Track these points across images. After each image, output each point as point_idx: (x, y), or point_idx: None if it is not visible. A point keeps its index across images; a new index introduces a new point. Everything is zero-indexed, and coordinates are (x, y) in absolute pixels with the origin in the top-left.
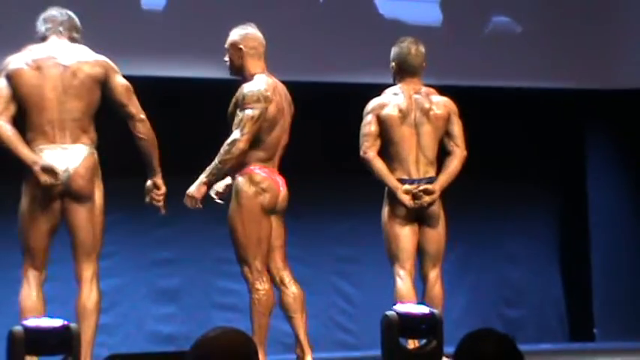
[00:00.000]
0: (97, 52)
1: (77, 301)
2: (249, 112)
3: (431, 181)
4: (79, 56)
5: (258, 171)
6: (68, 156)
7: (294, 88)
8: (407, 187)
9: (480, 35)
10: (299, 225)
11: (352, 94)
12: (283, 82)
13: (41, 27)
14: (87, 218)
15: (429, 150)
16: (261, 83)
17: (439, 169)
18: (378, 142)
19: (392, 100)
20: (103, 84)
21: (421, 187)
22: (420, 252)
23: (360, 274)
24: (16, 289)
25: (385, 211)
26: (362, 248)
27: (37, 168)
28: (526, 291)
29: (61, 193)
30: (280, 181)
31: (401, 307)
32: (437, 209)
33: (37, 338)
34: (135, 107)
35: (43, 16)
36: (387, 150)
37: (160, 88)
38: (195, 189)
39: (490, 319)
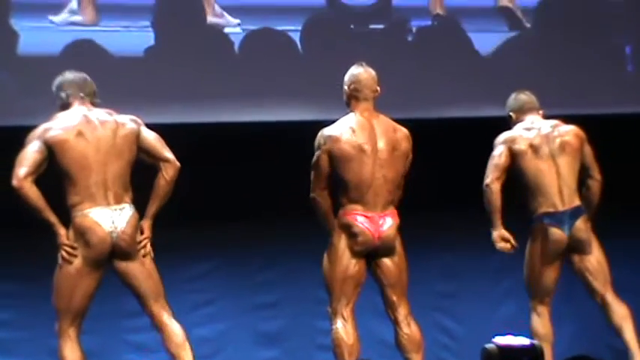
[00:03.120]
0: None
1: (167, 343)
2: (313, 159)
3: (578, 210)
4: (112, 117)
5: (348, 217)
6: (115, 216)
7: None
8: (504, 233)
9: (578, 62)
10: None
11: (451, 128)
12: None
13: (61, 93)
14: (141, 270)
15: (569, 179)
16: (332, 125)
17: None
18: (504, 176)
19: (523, 134)
20: (137, 137)
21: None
22: (586, 280)
23: (460, 308)
24: (123, 338)
25: (531, 245)
26: (461, 283)
27: (62, 240)
28: (636, 320)
29: (109, 254)
30: (379, 221)
31: (501, 339)
32: (586, 236)
33: None
34: (170, 153)
35: (60, 81)
36: (526, 184)
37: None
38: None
39: (598, 350)
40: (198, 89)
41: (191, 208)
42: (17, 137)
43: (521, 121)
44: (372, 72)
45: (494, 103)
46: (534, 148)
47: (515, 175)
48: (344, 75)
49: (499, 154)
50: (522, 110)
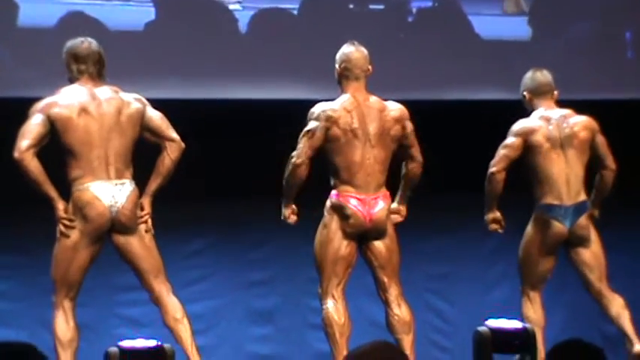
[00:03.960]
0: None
1: (165, 318)
2: (305, 127)
3: (582, 206)
4: (118, 96)
5: (340, 198)
6: (115, 191)
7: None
8: (497, 216)
9: (567, 45)
10: None
11: (447, 111)
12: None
13: (71, 66)
14: (140, 246)
15: (577, 171)
16: (330, 103)
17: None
18: (508, 167)
19: (542, 127)
20: (142, 117)
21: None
22: (583, 273)
23: (453, 290)
24: (115, 312)
25: (529, 232)
26: (454, 265)
27: (60, 213)
28: (633, 308)
29: (109, 229)
30: (371, 203)
31: (493, 323)
32: (587, 232)
33: (132, 359)
34: (175, 132)
35: (71, 51)
36: (536, 175)
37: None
38: (282, 215)
39: (589, 336)
40: (197, 65)
41: (186, 185)
42: (14, 109)
43: (534, 105)
44: (364, 51)
45: (493, 86)
46: (550, 141)
47: (524, 161)
48: None
49: (512, 144)
50: (537, 92)
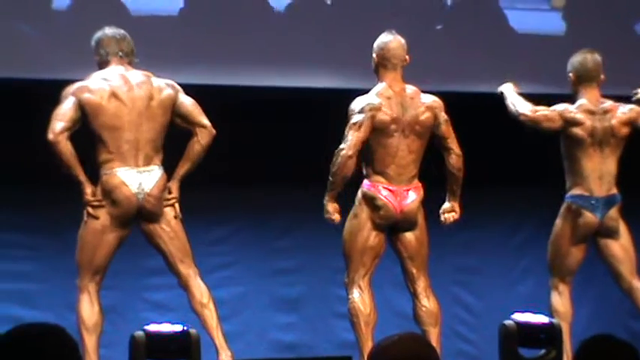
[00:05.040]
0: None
1: (192, 302)
2: (351, 120)
3: (613, 198)
4: (150, 80)
5: (372, 188)
6: (143, 178)
7: None
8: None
9: (604, 43)
10: None
11: (480, 103)
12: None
13: (100, 51)
14: (167, 231)
15: (612, 166)
16: (368, 95)
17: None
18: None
19: (586, 121)
20: (174, 103)
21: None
22: (613, 266)
23: (480, 284)
24: (142, 296)
25: (559, 223)
26: (481, 258)
27: (88, 197)
28: None
29: (136, 215)
30: (402, 195)
31: (519, 317)
32: (617, 224)
33: (158, 343)
34: (206, 119)
35: (99, 38)
36: (570, 166)
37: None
38: (325, 211)
39: (615, 331)
40: (227, 52)
41: (213, 171)
42: (43, 92)
43: (579, 92)
44: (402, 40)
45: (527, 80)
46: (589, 137)
47: (561, 149)
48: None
49: (553, 121)
50: (584, 77)
